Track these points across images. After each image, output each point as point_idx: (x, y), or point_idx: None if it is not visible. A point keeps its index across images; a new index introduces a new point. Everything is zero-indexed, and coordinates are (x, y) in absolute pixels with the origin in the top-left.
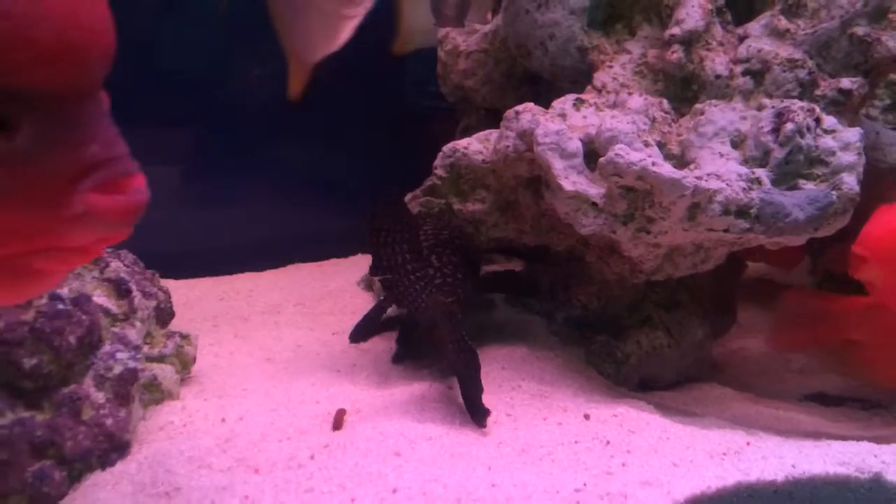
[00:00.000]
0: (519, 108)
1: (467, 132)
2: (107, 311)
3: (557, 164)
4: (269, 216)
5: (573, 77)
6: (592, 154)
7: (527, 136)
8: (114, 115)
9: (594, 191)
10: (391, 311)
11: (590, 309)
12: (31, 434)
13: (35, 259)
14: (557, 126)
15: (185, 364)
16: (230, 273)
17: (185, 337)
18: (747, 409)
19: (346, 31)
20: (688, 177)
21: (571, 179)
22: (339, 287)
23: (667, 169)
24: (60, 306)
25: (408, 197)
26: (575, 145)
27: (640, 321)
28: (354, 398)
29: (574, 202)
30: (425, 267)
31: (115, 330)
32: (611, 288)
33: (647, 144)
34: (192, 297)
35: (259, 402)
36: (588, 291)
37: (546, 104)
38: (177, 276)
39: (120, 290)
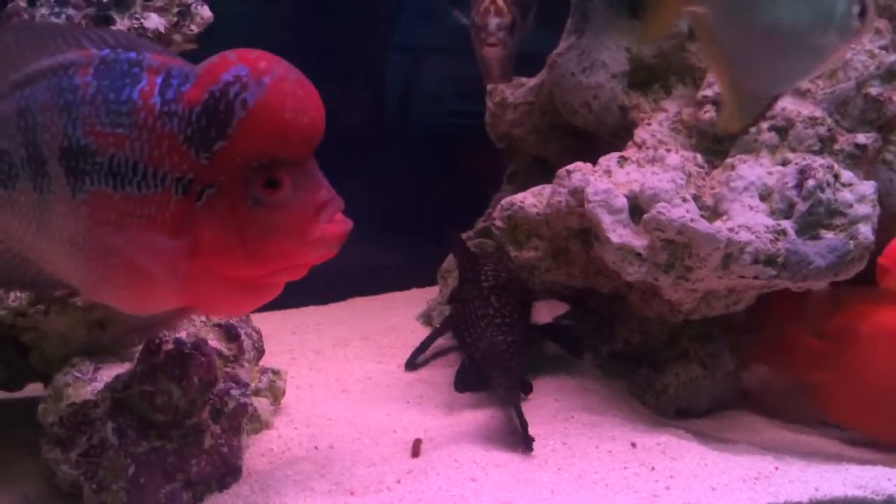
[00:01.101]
0: (570, 167)
1: (515, 176)
2: (220, 354)
3: (606, 220)
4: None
5: (614, 132)
6: (636, 208)
7: (578, 194)
8: None
9: (638, 242)
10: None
11: (631, 343)
12: (164, 461)
13: (281, 275)
14: (605, 185)
15: (276, 397)
16: (296, 307)
17: (276, 373)
18: (774, 435)
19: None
20: (721, 230)
21: (618, 233)
22: (399, 322)
23: (703, 224)
24: (186, 351)
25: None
26: (621, 202)
27: (677, 354)
28: (426, 427)
29: (621, 253)
30: (487, 306)
31: (227, 370)
32: (650, 324)
33: (684, 200)
34: (267, 331)
35: (344, 432)
36: (630, 328)
37: (588, 154)
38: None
39: (230, 334)
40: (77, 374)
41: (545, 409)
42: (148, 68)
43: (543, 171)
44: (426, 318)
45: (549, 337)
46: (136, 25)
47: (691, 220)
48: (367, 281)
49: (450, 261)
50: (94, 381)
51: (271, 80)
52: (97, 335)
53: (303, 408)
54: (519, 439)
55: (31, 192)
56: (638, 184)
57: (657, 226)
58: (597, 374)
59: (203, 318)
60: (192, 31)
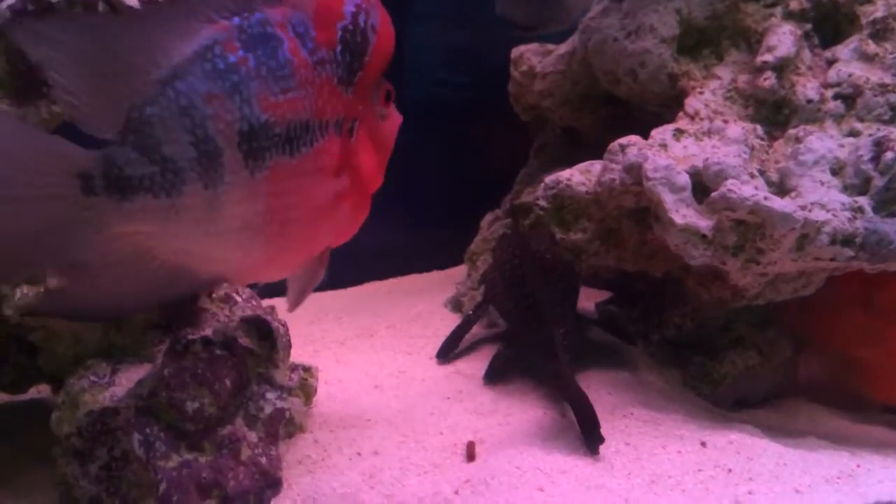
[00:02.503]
0: (623, 141)
1: (543, 150)
2: (251, 352)
3: (668, 198)
4: None
5: (661, 102)
6: (699, 186)
7: (634, 170)
8: None
9: (704, 223)
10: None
11: (683, 330)
12: (198, 476)
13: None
14: (666, 161)
15: (308, 396)
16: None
17: (307, 370)
18: (836, 425)
19: None
20: (797, 210)
21: (682, 213)
22: (426, 309)
23: (778, 203)
24: (217, 352)
25: (489, 217)
26: (684, 179)
27: (732, 341)
28: (474, 428)
29: (684, 235)
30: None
31: (261, 370)
32: (705, 309)
33: (752, 176)
34: (281, 317)
35: (386, 434)
36: (682, 313)
37: (625, 126)
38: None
39: (261, 330)
40: (93, 377)
41: (600, 404)
42: (277, 25)
43: (575, 145)
44: (455, 304)
45: (599, 324)
46: None
47: (764, 198)
48: (381, 263)
49: (477, 242)
50: (112, 385)
51: (376, 2)
52: (113, 334)
53: (335, 407)
54: (576, 438)
55: (200, 191)
56: (700, 159)
57: (727, 205)
58: (649, 364)
59: (223, 310)
60: None
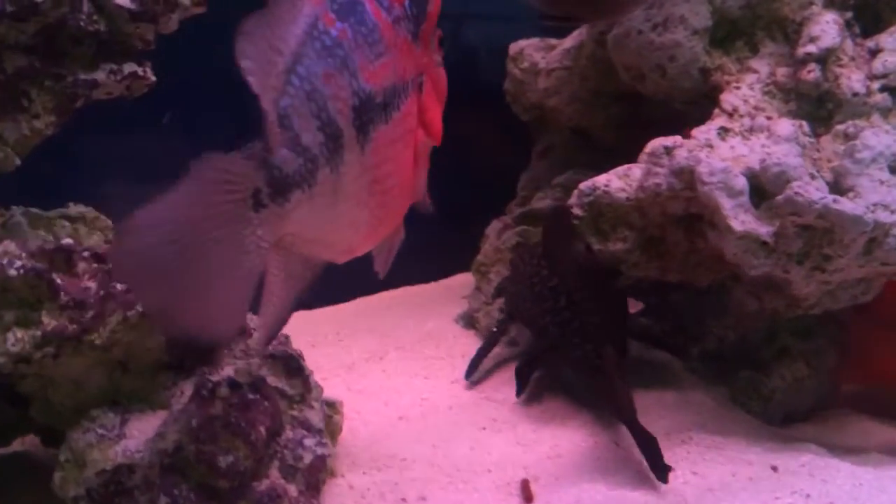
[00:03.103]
0: (667, 142)
1: (549, 152)
2: (283, 393)
3: (726, 204)
4: None
5: (690, 98)
6: (755, 189)
7: (685, 174)
8: None
9: (764, 230)
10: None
11: (725, 342)
12: None
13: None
14: (723, 164)
15: (334, 435)
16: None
17: (331, 405)
18: (888, 436)
19: None
20: (867, 212)
21: (741, 219)
22: (436, 326)
23: (848, 205)
24: (250, 395)
25: (497, 225)
26: (741, 182)
27: (778, 352)
28: (524, 462)
29: (744, 243)
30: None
31: (294, 413)
32: (748, 319)
33: (812, 177)
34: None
35: (428, 475)
36: (724, 324)
37: (641, 124)
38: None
39: (290, 367)
40: (100, 430)
41: (653, 428)
42: None
43: (585, 145)
44: (468, 321)
45: (641, 338)
46: None
47: (833, 200)
48: (369, 275)
49: (486, 252)
50: (122, 437)
51: None
52: (119, 378)
53: (361, 444)
54: (636, 468)
55: (328, 175)
56: (753, 159)
57: (793, 209)
58: (693, 381)
59: (243, 349)
60: None
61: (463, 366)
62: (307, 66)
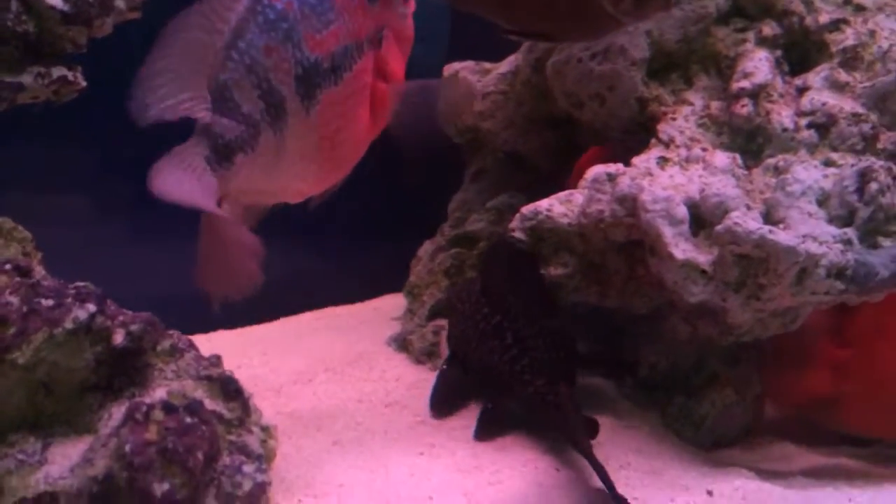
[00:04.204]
0: (610, 169)
1: (481, 175)
2: (220, 417)
3: (668, 232)
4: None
5: (627, 128)
6: (695, 218)
7: (627, 202)
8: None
9: (703, 258)
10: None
11: (658, 369)
12: None
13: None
14: (665, 193)
15: (269, 460)
16: (211, 328)
17: (265, 429)
18: (808, 460)
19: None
20: (801, 244)
21: (681, 247)
22: (367, 349)
23: (783, 236)
24: (188, 420)
25: (429, 247)
26: (682, 212)
27: (708, 379)
28: (465, 489)
29: (684, 270)
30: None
31: (232, 438)
32: (680, 346)
33: (749, 207)
34: None
35: (368, 502)
36: (656, 350)
37: (575, 150)
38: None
39: (228, 390)
40: (20, 455)
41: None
42: None
43: (519, 170)
44: (400, 344)
45: (591, 367)
46: None
47: (770, 231)
48: (291, 294)
49: (418, 274)
50: (44, 462)
51: None
52: (41, 399)
53: (295, 469)
54: (581, 495)
55: (271, 137)
56: (692, 189)
57: (732, 239)
58: (627, 407)
59: (187, 369)
60: None
61: (396, 389)
62: (248, 41)
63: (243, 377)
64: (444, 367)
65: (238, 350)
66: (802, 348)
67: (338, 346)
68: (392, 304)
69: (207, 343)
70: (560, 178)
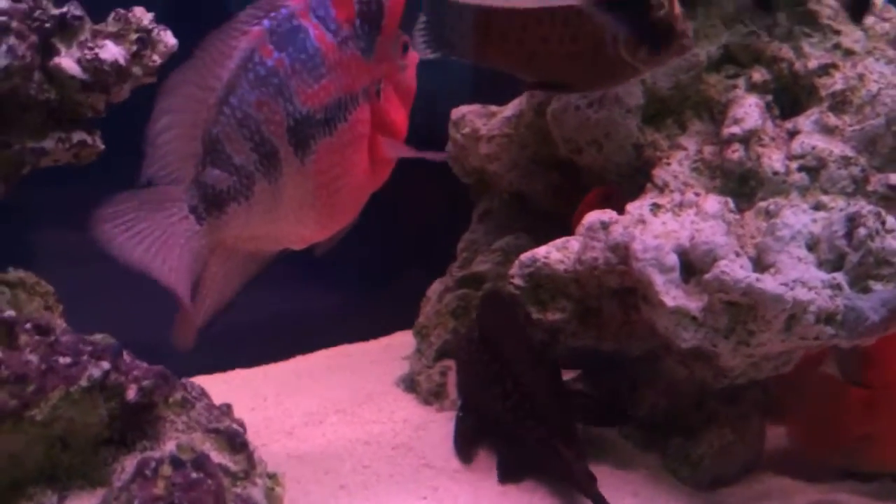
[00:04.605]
0: (604, 217)
1: (488, 216)
2: (226, 470)
3: (658, 280)
4: (269, 298)
5: (624, 172)
6: (685, 265)
7: (619, 250)
8: None
9: (693, 305)
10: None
11: (657, 409)
12: None
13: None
14: (655, 241)
15: None
16: (229, 367)
17: (272, 477)
18: (808, 496)
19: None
20: (787, 290)
21: (672, 294)
22: (377, 389)
23: (770, 284)
24: (194, 475)
25: (438, 287)
26: (673, 259)
27: (706, 419)
28: None
29: (675, 317)
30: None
31: (238, 490)
32: (679, 386)
33: (737, 254)
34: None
35: None
36: (656, 391)
37: (581, 190)
38: (178, 375)
39: (234, 443)
40: None
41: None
42: (300, 15)
43: (524, 211)
44: (409, 384)
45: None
46: (89, 57)
47: (756, 279)
48: (308, 334)
49: (427, 314)
50: None
51: None
52: (58, 453)
53: None
54: None
55: (266, 186)
56: (683, 236)
57: (720, 287)
58: (627, 448)
59: (185, 420)
60: (154, 62)
61: (403, 431)
62: (239, 97)
63: (257, 419)
64: (460, 414)
65: (253, 390)
66: (827, 395)
67: (349, 386)
68: (402, 343)
69: (224, 384)
70: (565, 218)
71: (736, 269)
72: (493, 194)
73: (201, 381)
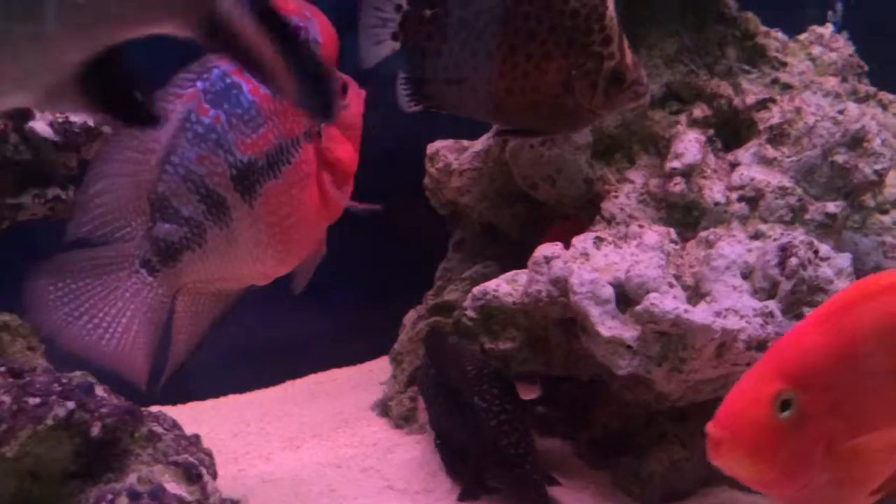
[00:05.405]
0: (547, 252)
1: (461, 245)
2: (181, 500)
3: (594, 312)
4: (259, 325)
5: (578, 204)
6: (622, 297)
7: (560, 283)
8: None
9: (628, 334)
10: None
11: (610, 429)
12: None
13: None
14: (591, 275)
15: None
16: (222, 393)
17: (236, 502)
18: None
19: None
20: (715, 320)
21: (607, 325)
22: (352, 414)
23: (698, 315)
24: None
25: (413, 315)
26: (608, 292)
27: (657, 436)
28: None
29: (611, 346)
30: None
31: None
32: (629, 408)
33: (671, 285)
34: (202, 432)
35: None
36: (609, 412)
37: (543, 222)
38: (173, 402)
39: (189, 473)
40: None
41: None
42: (233, 72)
43: (493, 240)
44: (382, 409)
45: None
46: (60, 120)
47: (685, 310)
48: (299, 359)
49: (401, 341)
50: None
51: (308, 11)
52: (29, 485)
53: None
54: None
55: (218, 232)
56: (621, 269)
57: (650, 318)
58: (578, 466)
59: (146, 449)
60: None
61: (373, 454)
62: (181, 155)
63: (238, 445)
64: (438, 442)
65: (239, 416)
66: None
67: (328, 410)
68: (384, 368)
69: (213, 410)
70: (533, 248)
71: (666, 300)
72: (465, 225)
73: (190, 407)
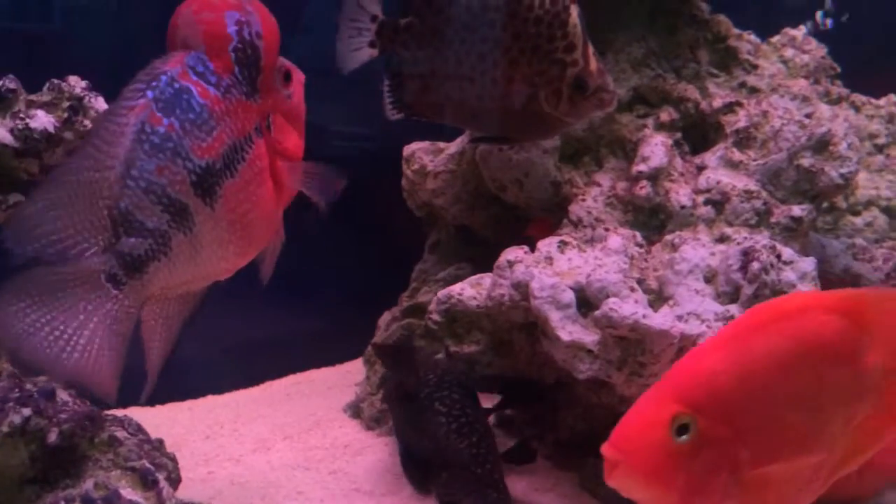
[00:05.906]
0: (510, 256)
1: (437, 246)
2: None
3: (554, 316)
4: (239, 326)
5: (546, 206)
6: (583, 301)
7: (521, 287)
8: None
9: (589, 339)
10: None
11: (576, 431)
12: None
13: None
14: (551, 280)
15: None
16: (200, 394)
17: None
18: None
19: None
20: (674, 324)
21: (568, 329)
22: (325, 416)
23: (656, 320)
24: None
25: (387, 317)
26: (569, 297)
27: None
28: None
29: (571, 350)
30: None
31: None
32: (595, 409)
33: (632, 290)
34: (175, 434)
35: None
36: (575, 414)
37: (516, 223)
38: (151, 403)
39: (145, 480)
40: None
41: None
42: (181, 77)
43: (469, 241)
44: (354, 410)
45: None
46: (20, 126)
47: (643, 316)
48: (277, 358)
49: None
50: None
51: (249, 5)
52: None
53: None
54: None
55: (182, 239)
56: (583, 273)
57: (609, 323)
58: (545, 468)
59: (107, 454)
60: (85, 126)
61: (342, 456)
62: (140, 167)
63: (210, 447)
64: (401, 450)
65: (213, 418)
66: None
67: (302, 411)
68: (360, 369)
69: (188, 411)
70: (505, 246)
71: (625, 305)
72: (441, 227)
73: (167, 409)
